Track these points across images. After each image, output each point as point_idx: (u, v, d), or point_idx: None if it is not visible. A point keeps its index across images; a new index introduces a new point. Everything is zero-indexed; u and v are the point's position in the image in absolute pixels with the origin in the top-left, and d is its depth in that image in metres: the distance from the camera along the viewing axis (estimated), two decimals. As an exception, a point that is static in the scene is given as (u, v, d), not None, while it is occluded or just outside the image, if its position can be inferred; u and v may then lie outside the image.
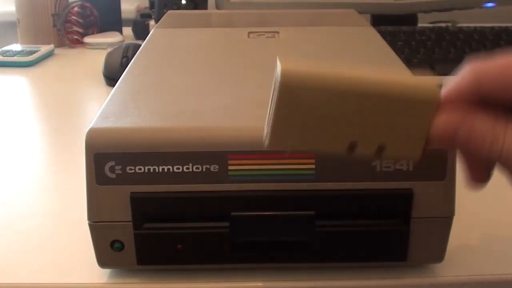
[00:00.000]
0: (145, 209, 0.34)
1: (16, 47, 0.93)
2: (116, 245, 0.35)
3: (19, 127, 0.62)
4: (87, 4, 0.99)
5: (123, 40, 0.99)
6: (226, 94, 0.38)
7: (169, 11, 0.68)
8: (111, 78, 0.75)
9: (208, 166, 0.33)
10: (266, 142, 0.28)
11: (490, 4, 0.92)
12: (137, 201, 0.34)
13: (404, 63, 0.45)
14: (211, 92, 0.39)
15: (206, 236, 0.35)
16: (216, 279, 0.36)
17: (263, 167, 0.33)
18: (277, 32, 0.55)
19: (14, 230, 0.42)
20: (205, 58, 0.47)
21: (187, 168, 0.33)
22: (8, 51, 0.90)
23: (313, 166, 0.33)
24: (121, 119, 0.34)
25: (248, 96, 0.38)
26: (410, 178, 0.34)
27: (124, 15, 1.06)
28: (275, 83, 0.28)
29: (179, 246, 0.35)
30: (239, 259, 0.36)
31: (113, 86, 0.41)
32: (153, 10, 1.00)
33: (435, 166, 0.34)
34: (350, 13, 0.66)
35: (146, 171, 0.33)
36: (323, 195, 0.34)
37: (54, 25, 0.96)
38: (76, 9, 0.99)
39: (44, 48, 0.91)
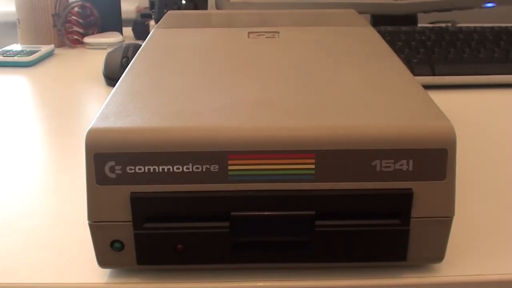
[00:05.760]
0: (145, 209, 0.34)
1: (16, 47, 0.93)
2: (116, 245, 0.35)
3: (19, 127, 0.62)
4: (87, 4, 0.99)
5: (123, 40, 0.99)
6: (226, 94, 0.38)
7: (169, 11, 0.68)
8: (111, 78, 0.75)
9: (208, 166, 0.33)
10: None
11: (490, 4, 0.92)
12: (137, 201, 0.34)
13: (404, 63, 0.45)
14: (211, 92, 0.39)
15: (206, 236, 0.35)
16: (216, 279, 0.36)
17: (263, 167, 0.33)
18: (277, 32, 0.55)
19: (14, 230, 0.42)
20: (205, 58, 0.47)
21: (187, 168, 0.33)
22: (8, 51, 0.90)
23: (313, 166, 0.33)
24: (121, 119, 0.34)
25: (248, 96, 0.38)
26: (410, 178, 0.34)
27: (124, 15, 1.06)
28: None
29: (179, 246, 0.35)
30: (239, 259, 0.36)
31: (113, 86, 0.41)
32: (153, 10, 1.00)
33: (435, 166, 0.34)
34: (350, 13, 0.66)
35: (146, 171, 0.33)
36: (323, 195, 0.34)
37: (54, 25, 0.96)
38: (76, 9, 0.99)
39: (44, 48, 0.91)
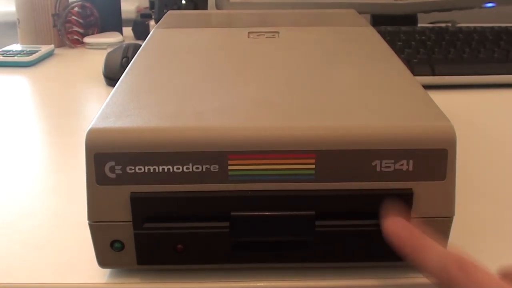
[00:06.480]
0: (145, 209, 0.34)
1: (16, 47, 0.93)
2: (116, 245, 0.35)
3: (19, 127, 0.62)
4: (87, 4, 0.99)
5: (123, 40, 0.99)
6: (226, 94, 0.38)
7: (169, 11, 0.68)
8: (111, 78, 0.76)
9: (208, 166, 0.33)
10: None
11: (490, 4, 0.92)
12: (137, 201, 0.34)
13: (404, 63, 0.45)
14: (211, 92, 0.39)
15: (206, 236, 0.35)
16: (216, 279, 0.36)
17: (263, 167, 0.33)
18: (277, 32, 0.55)
19: (14, 230, 0.42)
20: (205, 58, 0.47)
21: (187, 168, 0.33)
22: (8, 51, 0.90)
23: (313, 166, 0.33)
24: (121, 119, 0.34)
25: (248, 96, 0.38)
26: (410, 178, 0.34)
27: (124, 15, 1.06)
28: None
29: (179, 246, 0.35)
30: (239, 259, 0.36)
31: (113, 86, 0.41)
32: (153, 10, 1.00)
33: (435, 166, 0.34)
34: (350, 13, 0.66)
35: (146, 171, 0.33)
36: (323, 195, 0.34)
37: (54, 25, 0.96)
38: (76, 9, 0.99)
39: (44, 48, 0.91)
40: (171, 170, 0.33)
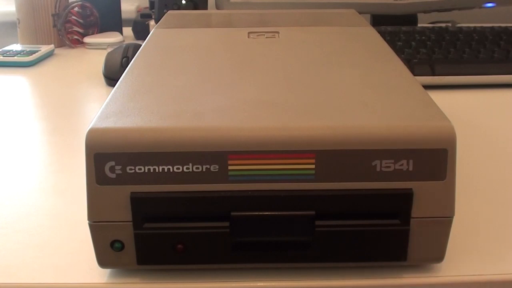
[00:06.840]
0: (145, 209, 0.34)
1: (16, 47, 0.93)
2: (116, 245, 0.35)
3: (19, 127, 0.62)
4: (87, 4, 0.99)
5: (123, 40, 0.99)
6: (226, 94, 0.38)
7: (169, 11, 0.68)
8: (111, 78, 0.76)
9: (208, 166, 0.33)
10: None
11: (490, 4, 0.92)
12: (137, 201, 0.34)
13: (404, 63, 0.45)
14: (211, 92, 0.39)
15: (206, 236, 0.35)
16: (216, 279, 0.36)
17: (263, 167, 0.33)
18: (277, 32, 0.55)
19: (14, 230, 0.42)
20: (205, 58, 0.47)
21: (187, 168, 0.33)
22: (8, 51, 0.90)
23: (313, 166, 0.33)
24: (121, 119, 0.34)
25: (248, 96, 0.38)
26: (410, 178, 0.34)
27: (124, 15, 1.06)
28: None
29: (179, 246, 0.35)
30: (239, 259, 0.36)
31: (113, 86, 0.41)
32: (153, 10, 1.00)
33: (435, 166, 0.34)
34: (350, 13, 0.66)
35: (146, 171, 0.33)
36: (323, 195, 0.34)
37: (54, 25, 0.96)
38: (76, 9, 0.99)
39: (44, 48, 0.91)
40: (171, 170, 0.33)
